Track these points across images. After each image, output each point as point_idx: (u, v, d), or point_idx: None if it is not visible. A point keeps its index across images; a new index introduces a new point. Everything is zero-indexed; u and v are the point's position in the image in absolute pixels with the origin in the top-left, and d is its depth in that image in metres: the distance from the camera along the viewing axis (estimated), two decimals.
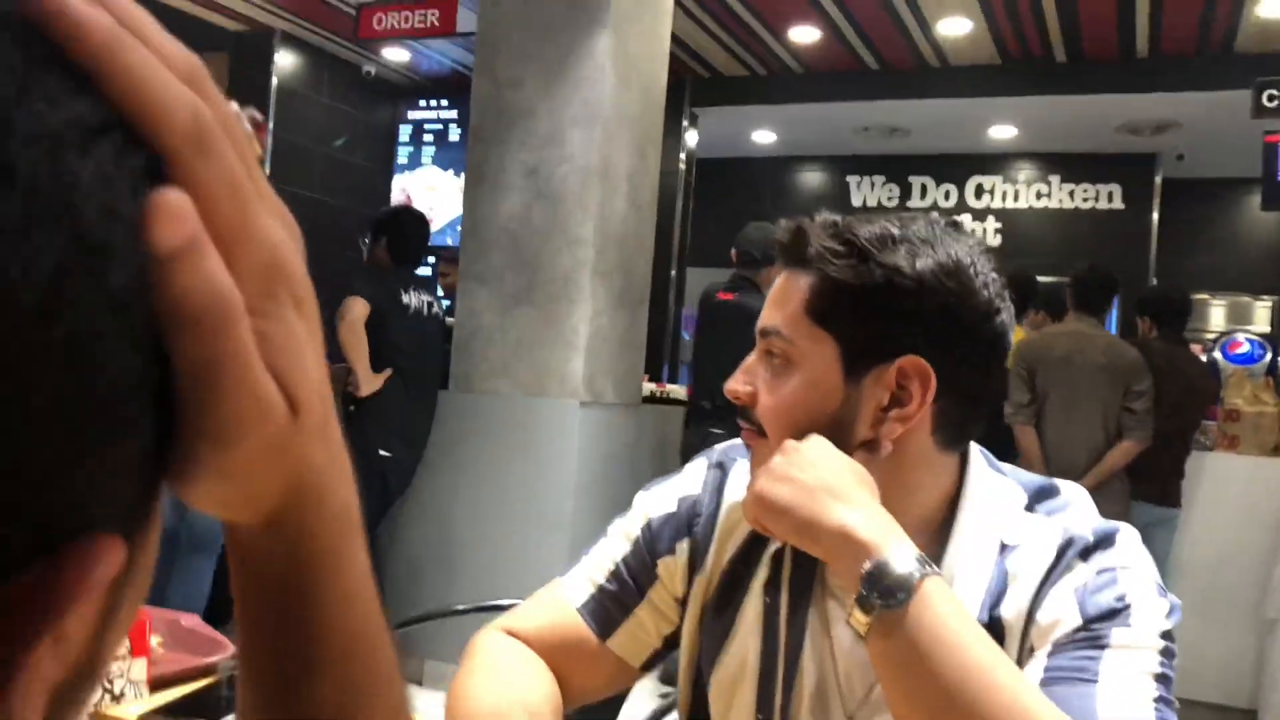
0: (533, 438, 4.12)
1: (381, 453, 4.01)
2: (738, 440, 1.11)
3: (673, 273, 7.68)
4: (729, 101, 7.61)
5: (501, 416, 4.18)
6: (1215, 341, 5.83)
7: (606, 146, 4.15)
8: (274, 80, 7.21)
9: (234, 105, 0.35)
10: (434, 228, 7.92)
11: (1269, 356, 5.34)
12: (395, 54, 7.56)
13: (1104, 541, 0.98)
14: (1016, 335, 4.54)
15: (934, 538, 1.02)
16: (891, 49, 6.71)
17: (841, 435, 0.98)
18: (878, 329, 0.97)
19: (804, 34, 6.55)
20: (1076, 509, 1.02)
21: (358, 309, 3.88)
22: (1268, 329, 8.53)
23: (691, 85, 7.53)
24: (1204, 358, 5.62)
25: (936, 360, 0.96)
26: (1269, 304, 8.57)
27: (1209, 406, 4.61)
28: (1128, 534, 0.99)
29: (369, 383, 3.95)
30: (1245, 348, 5.39)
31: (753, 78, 7.50)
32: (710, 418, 4.51)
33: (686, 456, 4.56)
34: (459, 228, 8.05)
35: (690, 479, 1.20)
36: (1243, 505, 4.67)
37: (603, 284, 4.18)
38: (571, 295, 4.11)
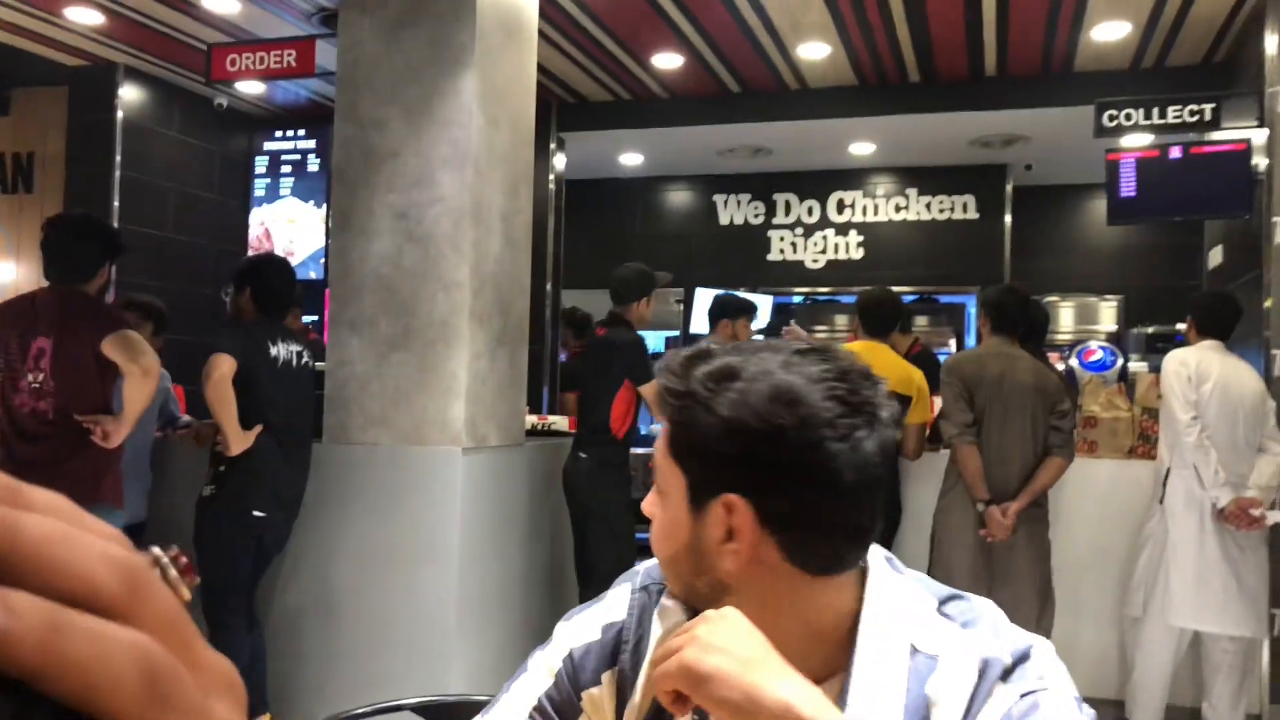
0: (414, 487, 4.01)
1: (255, 513, 3.84)
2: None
3: (547, 295, 7.63)
4: (596, 126, 7.61)
5: (381, 467, 4.06)
6: (1070, 349, 6.09)
7: (478, 186, 4.08)
8: (119, 115, 6.88)
9: (163, 556, 0.34)
10: (295, 260, 7.71)
11: (1120, 362, 5.61)
12: (249, 85, 7.31)
13: (1021, 659, 0.98)
14: (883, 352, 4.66)
15: (838, 648, 1.01)
16: (752, 73, 6.82)
17: (700, 567, 1.03)
18: (705, 466, 1.02)
19: (667, 60, 6.60)
20: (988, 621, 1.02)
21: (224, 366, 3.71)
22: (1114, 326, 8.99)
23: (558, 110, 7.50)
24: (1060, 366, 5.87)
25: (753, 496, 1.00)
26: (1114, 303, 9.04)
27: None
28: (1041, 648, 1.00)
29: (239, 441, 3.78)
30: (1098, 355, 5.64)
31: (618, 103, 7.52)
32: (581, 443, 4.61)
33: (565, 483, 4.61)
34: (322, 261, 7.92)
35: (614, 605, 1.16)
36: (1104, 508, 4.89)
37: (481, 326, 4.11)
38: (449, 339, 4.02)
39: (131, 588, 0.28)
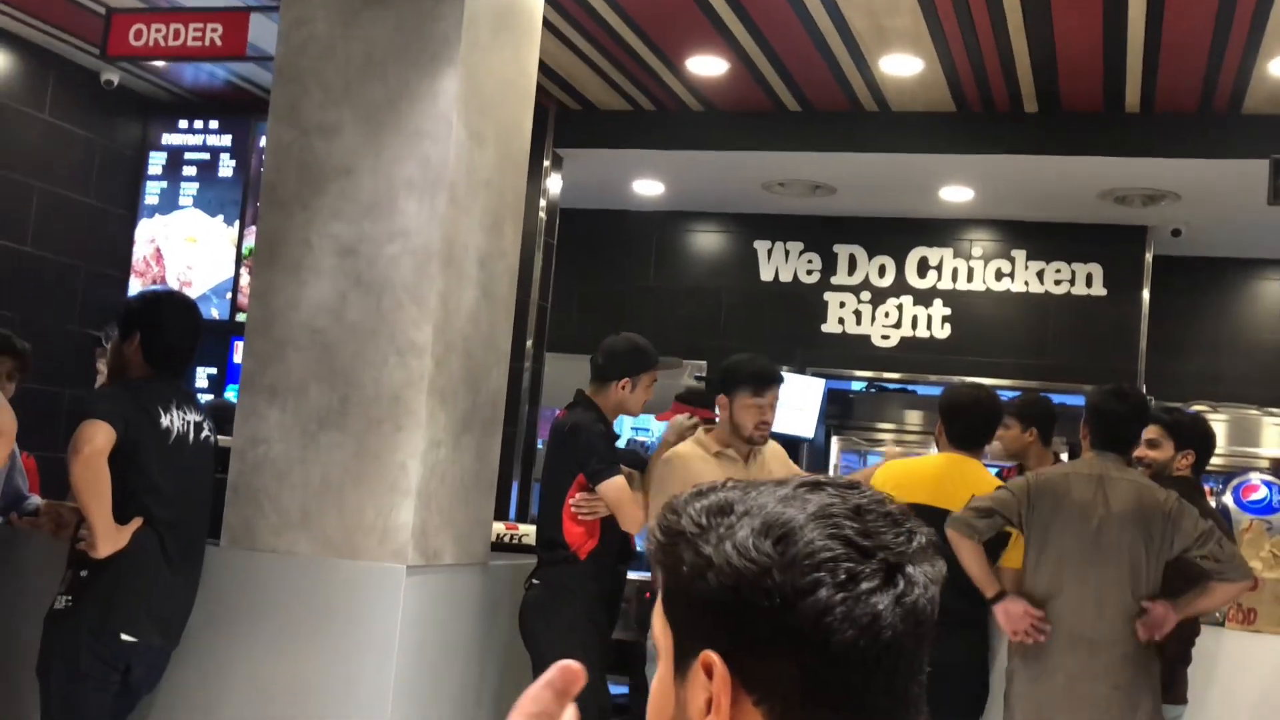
0: (340, 614, 4.05)
1: (124, 636, 3.87)
2: None
3: (526, 364, 7.71)
4: (605, 142, 7.75)
5: (296, 585, 4.10)
6: (1224, 482, 6.16)
7: (452, 220, 4.18)
8: None
9: None
10: (193, 292, 7.83)
11: None
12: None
13: None
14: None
15: None
16: (817, 88, 6.97)
17: None
18: (689, 618, 1.10)
19: (706, 64, 6.75)
20: None
21: (99, 438, 3.77)
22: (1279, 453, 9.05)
23: (556, 119, 7.66)
24: (1211, 502, 5.93)
25: (734, 654, 1.06)
26: None
27: None
28: None
29: (109, 539, 3.82)
30: (1262, 493, 5.71)
31: (636, 113, 7.67)
32: (538, 566, 4.69)
33: (521, 616, 4.63)
34: (229, 296, 8.03)
35: None
36: (1263, 699, 4.91)
37: (443, 404, 4.18)
38: (400, 419, 4.09)
39: None
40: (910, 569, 1.07)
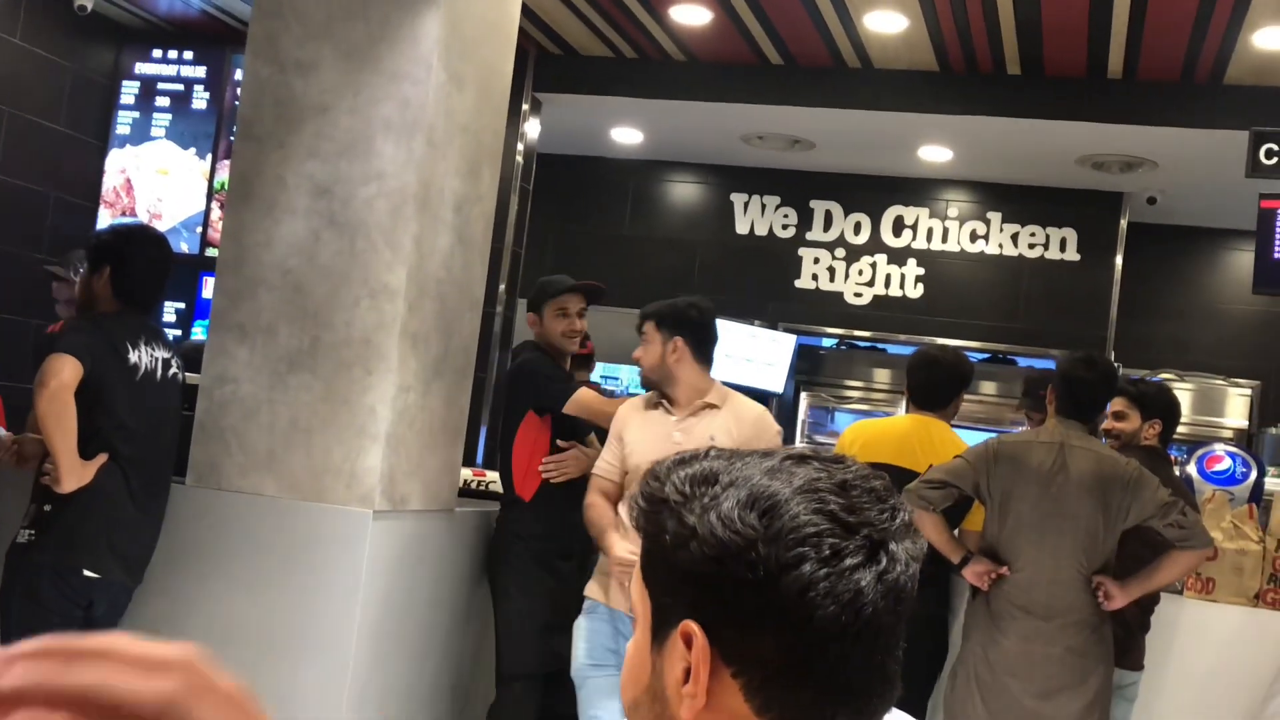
0: (304, 557, 4.05)
1: (86, 572, 3.86)
2: None
3: (498, 309, 7.68)
4: (585, 88, 7.70)
5: (261, 526, 4.09)
6: (1189, 452, 6.20)
7: (429, 163, 4.15)
8: None
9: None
10: (163, 225, 7.75)
11: (1253, 476, 5.71)
12: None
13: None
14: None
15: None
16: (801, 42, 6.93)
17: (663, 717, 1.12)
18: (669, 587, 1.12)
19: (689, 13, 6.70)
20: None
21: (65, 372, 3.73)
22: (1244, 423, 9.13)
23: (536, 62, 7.59)
24: (1176, 470, 5.97)
25: (714, 625, 1.08)
26: (1248, 392, 9.19)
27: None
28: None
29: (74, 474, 3.80)
30: (1226, 464, 5.75)
31: (618, 60, 7.61)
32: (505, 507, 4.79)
33: (488, 559, 4.68)
34: (199, 230, 7.96)
35: None
36: (1218, 666, 4.98)
37: (414, 349, 4.16)
38: (370, 363, 4.08)
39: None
40: (893, 545, 1.08)
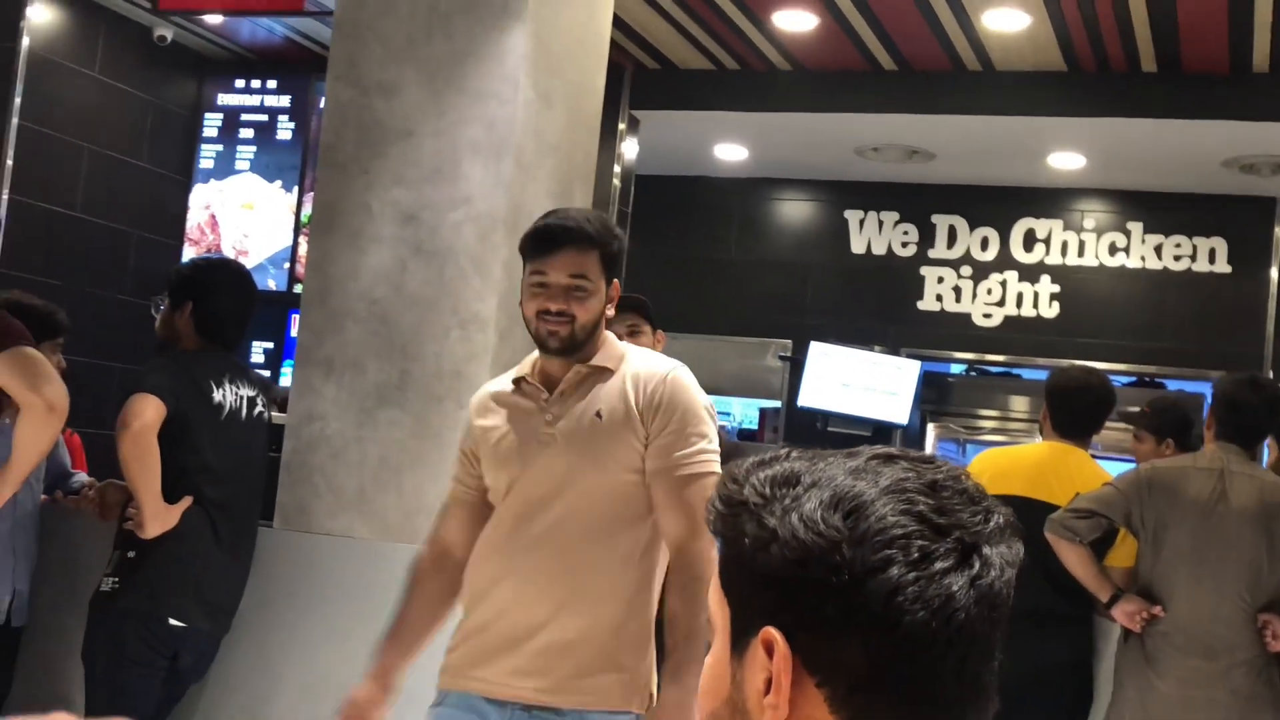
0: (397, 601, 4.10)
1: (172, 621, 3.96)
2: None
3: None
4: (685, 104, 7.76)
5: (352, 569, 4.16)
6: None
7: (519, 186, 4.22)
8: (24, 42, 7.17)
9: None
10: (249, 262, 7.94)
11: None
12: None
13: None
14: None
15: None
16: (915, 45, 6.92)
17: None
18: (749, 592, 1.13)
19: (794, 19, 6.73)
20: None
21: (148, 412, 3.85)
22: None
23: (633, 79, 7.67)
24: None
25: (797, 632, 1.09)
26: None
27: None
28: None
29: (158, 518, 3.91)
30: None
31: (719, 73, 7.66)
32: None
33: None
34: (286, 266, 8.14)
35: None
36: None
37: None
38: (462, 397, 4.13)
39: None
40: (986, 549, 1.09)
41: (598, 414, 2.94)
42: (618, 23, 6.48)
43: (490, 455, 3.05)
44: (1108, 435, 5.69)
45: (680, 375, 3.00)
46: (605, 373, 3.00)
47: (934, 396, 9.30)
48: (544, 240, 2.96)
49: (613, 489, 2.93)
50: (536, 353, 3.06)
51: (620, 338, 4.54)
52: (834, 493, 1.09)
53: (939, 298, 9.22)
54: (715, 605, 1.18)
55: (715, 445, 2.95)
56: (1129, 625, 4.35)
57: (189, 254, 8.08)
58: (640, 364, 3.04)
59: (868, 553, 1.06)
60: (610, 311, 3.05)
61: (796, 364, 8.71)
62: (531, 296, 2.96)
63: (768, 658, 1.09)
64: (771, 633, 1.09)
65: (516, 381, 3.08)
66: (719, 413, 8.57)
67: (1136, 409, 5.59)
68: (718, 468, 2.85)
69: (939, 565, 1.06)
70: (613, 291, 3.03)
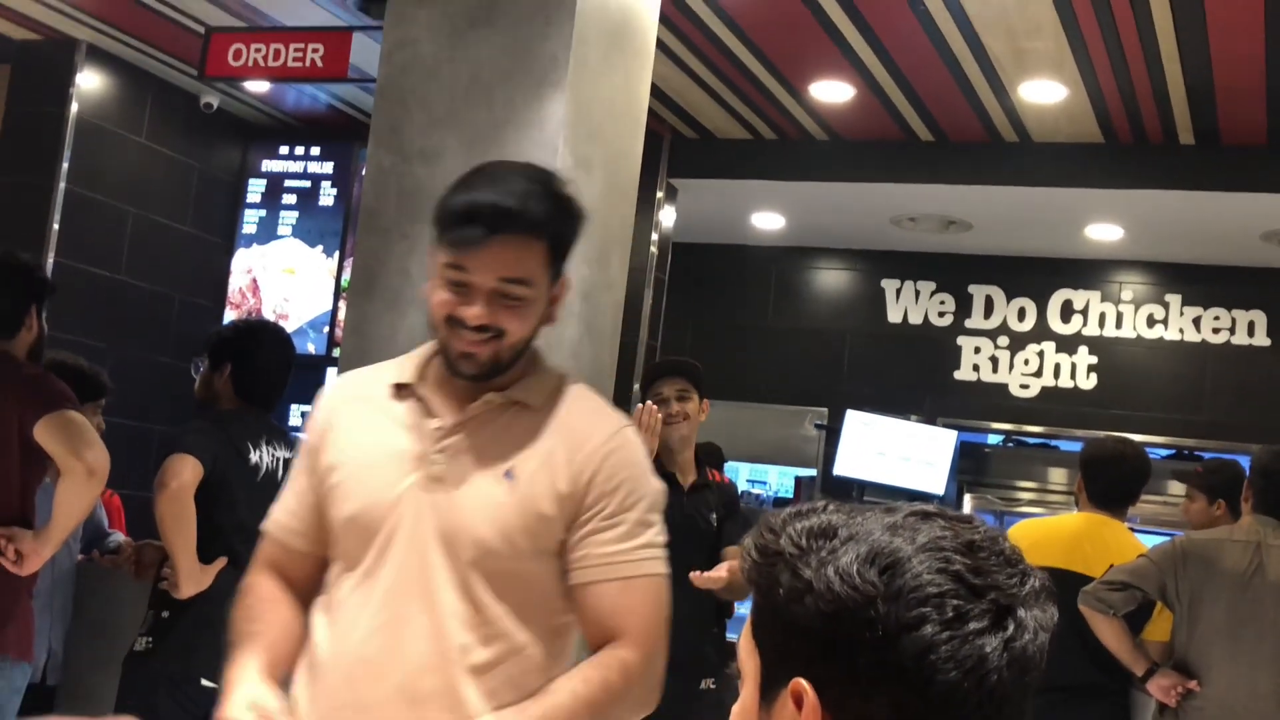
0: None
1: (204, 682, 3.96)
2: None
3: (633, 403, 7.75)
4: (722, 172, 7.80)
5: None
6: None
7: None
8: (72, 108, 7.30)
9: None
10: (290, 325, 8.01)
11: None
12: (251, 83, 7.70)
13: None
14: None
15: None
16: (952, 116, 6.95)
17: None
18: (782, 643, 1.14)
19: (831, 90, 6.78)
20: None
21: (186, 472, 3.89)
22: None
23: (671, 147, 7.73)
24: None
25: (828, 686, 1.09)
26: None
27: None
28: None
29: (192, 578, 3.93)
30: None
31: (756, 142, 7.72)
32: None
33: None
34: (326, 330, 8.20)
35: None
36: None
37: None
38: None
39: None
40: (1021, 612, 1.09)
41: (507, 473, 2.15)
42: (656, 92, 6.56)
43: (341, 485, 2.22)
44: (1145, 508, 5.64)
45: (630, 436, 2.24)
46: (525, 411, 2.20)
47: (971, 467, 9.25)
48: (468, 224, 2.08)
49: (511, 577, 2.15)
50: (430, 346, 2.25)
51: (666, 401, 4.63)
52: (871, 547, 1.10)
53: (976, 368, 9.20)
54: (746, 654, 1.18)
55: (664, 535, 2.21)
56: (1165, 700, 4.30)
57: (230, 317, 8.15)
58: (578, 409, 2.23)
59: (902, 609, 1.06)
60: (554, 318, 2.23)
61: (833, 433, 8.69)
62: (443, 294, 2.13)
63: (796, 709, 1.10)
64: (801, 684, 1.09)
65: (400, 387, 2.24)
66: (757, 481, 8.63)
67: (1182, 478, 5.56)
68: (665, 567, 2.20)
69: (973, 626, 1.07)
70: (558, 290, 2.22)
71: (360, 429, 2.26)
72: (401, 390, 2.24)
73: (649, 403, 4.28)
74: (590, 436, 2.18)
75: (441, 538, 2.14)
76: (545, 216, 2.13)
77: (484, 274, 2.09)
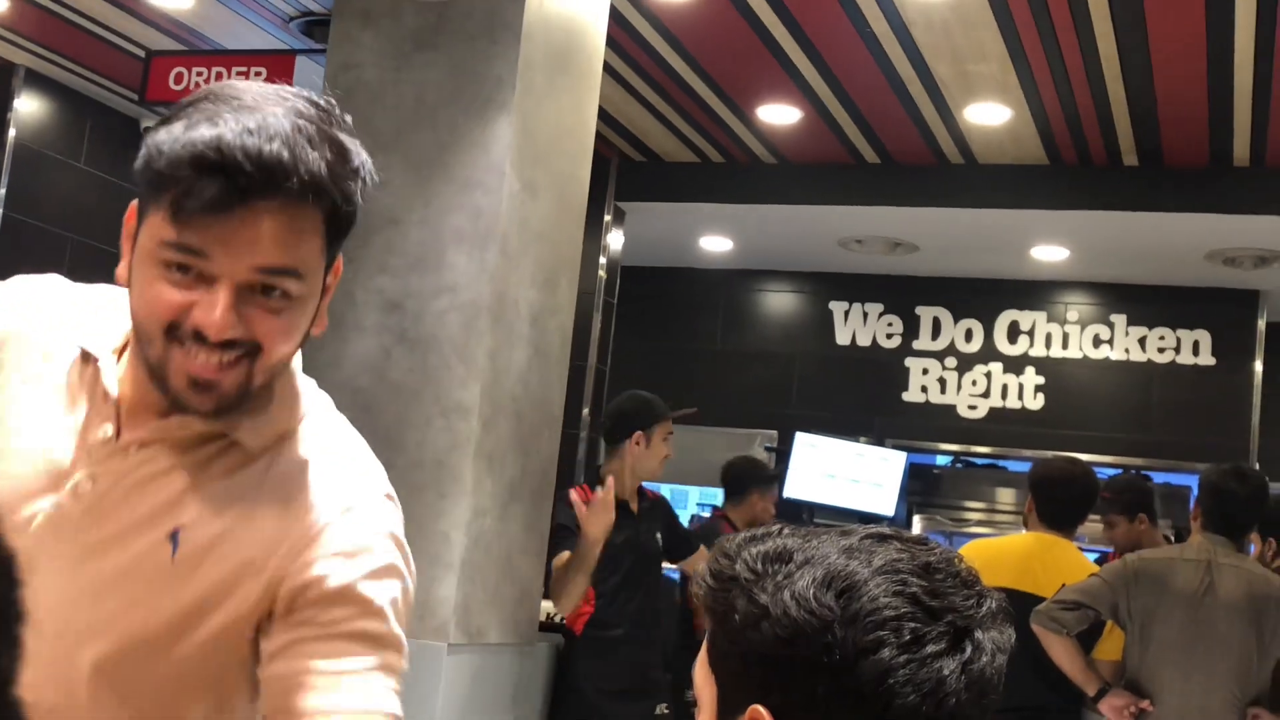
0: None
1: None
2: None
3: (582, 432, 7.74)
4: (670, 195, 7.82)
5: None
6: None
7: (503, 274, 4.23)
8: (10, 134, 7.22)
9: None
10: None
11: None
12: None
13: None
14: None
15: None
16: (898, 139, 6.99)
17: None
18: (739, 669, 1.13)
19: (778, 113, 6.80)
20: None
21: None
22: None
23: (618, 170, 7.73)
24: None
25: (785, 711, 1.08)
26: None
27: None
28: None
29: None
30: None
31: (704, 165, 7.73)
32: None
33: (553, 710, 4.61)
34: None
35: None
36: None
37: (490, 469, 4.20)
38: (443, 486, 4.12)
39: None
40: (979, 634, 1.09)
41: (171, 535, 1.44)
42: (603, 115, 6.56)
43: None
44: (1091, 527, 5.68)
45: (386, 513, 1.63)
46: (237, 454, 1.49)
47: (920, 488, 9.28)
48: (208, 178, 1.32)
49: (158, 673, 1.46)
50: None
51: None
52: (827, 571, 1.10)
53: (924, 389, 9.24)
54: (702, 681, 1.17)
55: (404, 661, 1.50)
56: (1114, 719, 4.32)
57: None
58: (317, 462, 1.55)
59: (859, 633, 1.06)
60: (324, 322, 1.55)
61: (782, 455, 8.70)
62: (164, 289, 1.39)
63: None
64: (759, 711, 1.09)
65: (86, 357, 1.51)
66: (706, 504, 8.61)
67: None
68: (398, 707, 1.47)
69: (931, 648, 1.07)
70: (330, 278, 1.52)
71: (30, 380, 1.53)
72: (89, 360, 1.52)
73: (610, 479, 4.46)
74: (326, 501, 1.50)
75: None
76: (327, 173, 1.35)
77: (231, 260, 1.35)
